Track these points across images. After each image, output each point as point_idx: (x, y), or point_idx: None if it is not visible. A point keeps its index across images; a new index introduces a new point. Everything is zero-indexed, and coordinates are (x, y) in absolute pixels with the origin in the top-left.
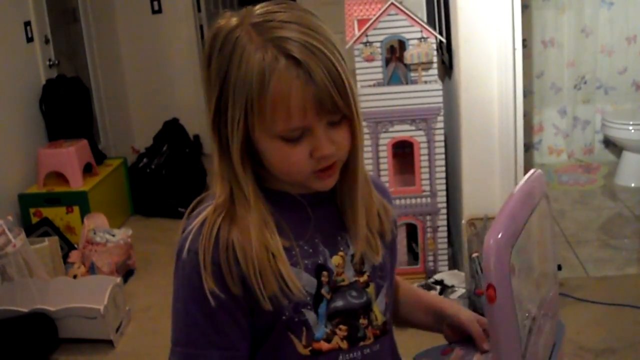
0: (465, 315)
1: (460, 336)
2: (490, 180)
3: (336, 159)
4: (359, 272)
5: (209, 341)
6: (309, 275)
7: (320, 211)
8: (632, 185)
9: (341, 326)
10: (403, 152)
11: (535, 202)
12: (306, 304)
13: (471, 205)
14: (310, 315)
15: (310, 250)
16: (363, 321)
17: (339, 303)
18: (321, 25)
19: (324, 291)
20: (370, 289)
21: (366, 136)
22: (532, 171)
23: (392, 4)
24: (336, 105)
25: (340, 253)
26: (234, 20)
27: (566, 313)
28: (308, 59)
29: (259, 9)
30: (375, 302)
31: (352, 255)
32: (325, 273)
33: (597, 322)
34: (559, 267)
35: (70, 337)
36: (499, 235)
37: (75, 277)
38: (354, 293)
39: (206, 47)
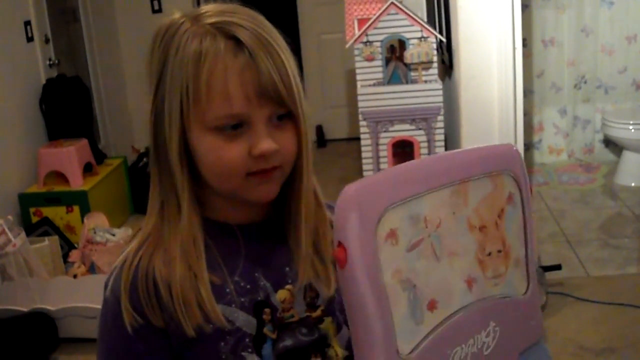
0: None
1: None
2: None
3: (277, 163)
4: (312, 307)
5: None
6: (246, 314)
7: (265, 243)
8: (632, 184)
9: None
10: (403, 151)
11: (482, 171)
12: (246, 346)
13: None
14: (252, 359)
15: (248, 287)
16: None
17: (288, 342)
18: (271, 26)
19: (266, 330)
20: (326, 324)
21: (366, 135)
22: (505, 144)
23: (392, 3)
24: (280, 95)
25: (288, 287)
26: (177, 15)
27: (566, 313)
28: (250, 41)
29: (205, 5)
30: (335, 337)
31: (306, 288)
32: (267, 310)
33: (597, 321)
34: (559, 267)
35: (70, 337)
36: (372, 182)
37: (75, 276)
38: (304, 330)
39: (149, 43)
